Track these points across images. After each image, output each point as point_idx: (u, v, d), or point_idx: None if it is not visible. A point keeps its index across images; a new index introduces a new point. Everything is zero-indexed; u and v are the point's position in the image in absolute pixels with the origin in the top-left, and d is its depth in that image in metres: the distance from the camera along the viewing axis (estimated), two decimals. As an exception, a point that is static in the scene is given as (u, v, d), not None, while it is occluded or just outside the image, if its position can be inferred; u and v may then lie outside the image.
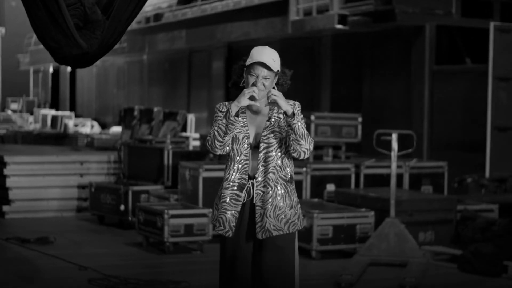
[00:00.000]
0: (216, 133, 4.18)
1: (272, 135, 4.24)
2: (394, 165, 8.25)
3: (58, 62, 4.67)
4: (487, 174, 11.73)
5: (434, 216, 8.71)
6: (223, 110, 4.29)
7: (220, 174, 9.32)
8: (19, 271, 7.51)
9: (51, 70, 29.38)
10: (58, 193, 11.08)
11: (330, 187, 9.93)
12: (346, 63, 15.02)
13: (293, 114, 4.14)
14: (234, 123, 4.15)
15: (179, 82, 20.55)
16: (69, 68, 26.57)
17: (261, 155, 4.23)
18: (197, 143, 13.25)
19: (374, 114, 13.81)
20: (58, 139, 16.26)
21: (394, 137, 8.22)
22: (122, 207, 10.03)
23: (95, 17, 4.55)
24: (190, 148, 12.58)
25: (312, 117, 10.96)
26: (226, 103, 4.31)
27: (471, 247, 7.80)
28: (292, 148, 4.20)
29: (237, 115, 4.17)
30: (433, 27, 13.25)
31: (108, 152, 12.14)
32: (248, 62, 4.22)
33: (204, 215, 8.57)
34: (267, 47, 4.28)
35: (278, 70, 4.27)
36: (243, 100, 4.14)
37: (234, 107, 4.15)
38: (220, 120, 4.21)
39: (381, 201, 8.56)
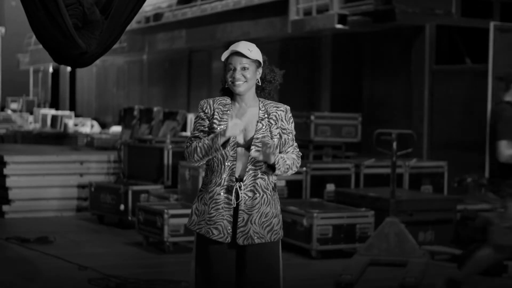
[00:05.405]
0: (198, 149, 3.99)
1: (264, 139, 4.03)
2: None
3: (57, 62, 4.67)
4: (487, 174, 11.72)
5: (434, 216, 8.70)
6: (206, 111, 4.12)
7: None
8: (19, 271, 7.51)
9: (51, 70, 29.36)
10: (58, 193, 11.08)
11: (330, 187, 9.92)
12: (346, 63, 15.01)
13: (273, 166, 3.98)
14: (218, 151, 3.97)
15: (179, 82, 20.53)
16: (69, 68, 26.56)
17: (251, 158, 4.02)
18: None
19: (374, 114, 13.79)
20: (58, 138, 16.23)
21: (394, 136, 8.21)
22: (122, 207, 10.03)
23: (94, 17, 4.55)
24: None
25: (312, 117, 10.96)
26: (211, 101, 4.15)
27: (471, 247, 7.79)
28: None
29: (224, 146, 3.96)
30: (433, 27, 13.24)
31: (108, 151, 12.14)
32: (224, 56, 4.10)
33: (204, 215, 8.56)
34: (243, 41, 4.15)
35: (258, 60, 4.09)
36: (228, 132, 3.92)
37: (222, 138, 3.94)
38: (206, 139, 3.99)
39: (381, 201, 8.56)
